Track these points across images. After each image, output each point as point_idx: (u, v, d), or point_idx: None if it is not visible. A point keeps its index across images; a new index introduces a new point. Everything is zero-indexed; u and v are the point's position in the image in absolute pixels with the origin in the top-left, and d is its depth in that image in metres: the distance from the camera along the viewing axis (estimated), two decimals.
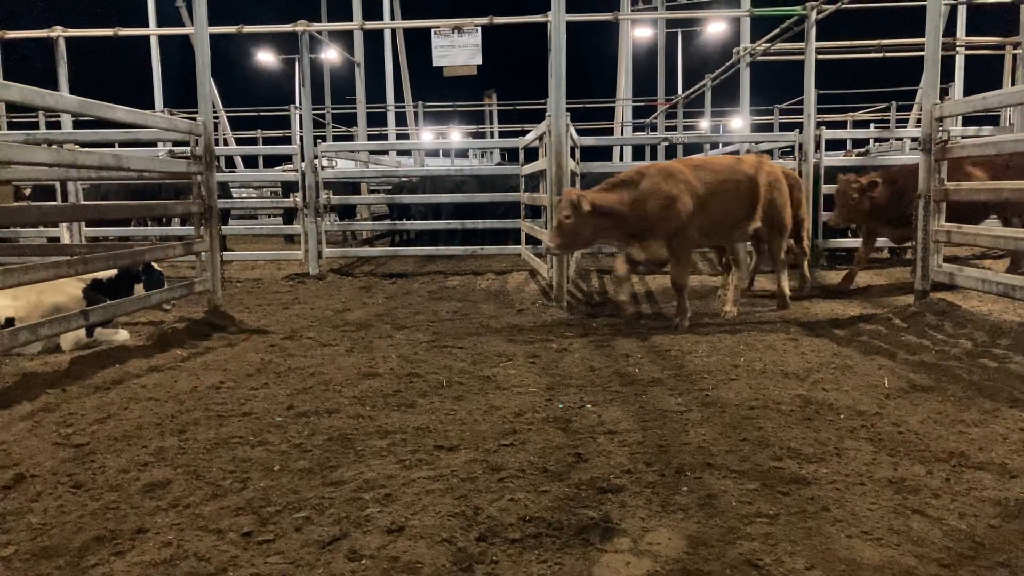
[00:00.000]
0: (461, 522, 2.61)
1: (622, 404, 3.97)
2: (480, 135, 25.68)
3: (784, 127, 20.58)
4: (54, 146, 8.00)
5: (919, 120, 8.03)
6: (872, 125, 20.79)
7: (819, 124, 9.88)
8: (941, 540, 2.44)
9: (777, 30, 10.20)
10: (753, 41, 12.12)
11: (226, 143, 20.87)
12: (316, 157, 10.58)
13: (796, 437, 3.41)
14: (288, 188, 13.78)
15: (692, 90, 17.03)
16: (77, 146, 8.80)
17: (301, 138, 10.95)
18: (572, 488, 2.88)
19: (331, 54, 21.24)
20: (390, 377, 4.62)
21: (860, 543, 2.43)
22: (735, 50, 12.85)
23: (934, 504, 2.71)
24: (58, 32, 11.90)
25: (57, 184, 9.82)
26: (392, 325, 6.47)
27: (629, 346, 5.43)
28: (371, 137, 20.34)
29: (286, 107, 22.78)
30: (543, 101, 17.49)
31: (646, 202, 5.97)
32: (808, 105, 9.74)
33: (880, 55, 13.83)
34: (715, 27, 23.23)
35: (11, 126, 18.09)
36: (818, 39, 9.62)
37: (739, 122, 14.49)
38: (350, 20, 16.96)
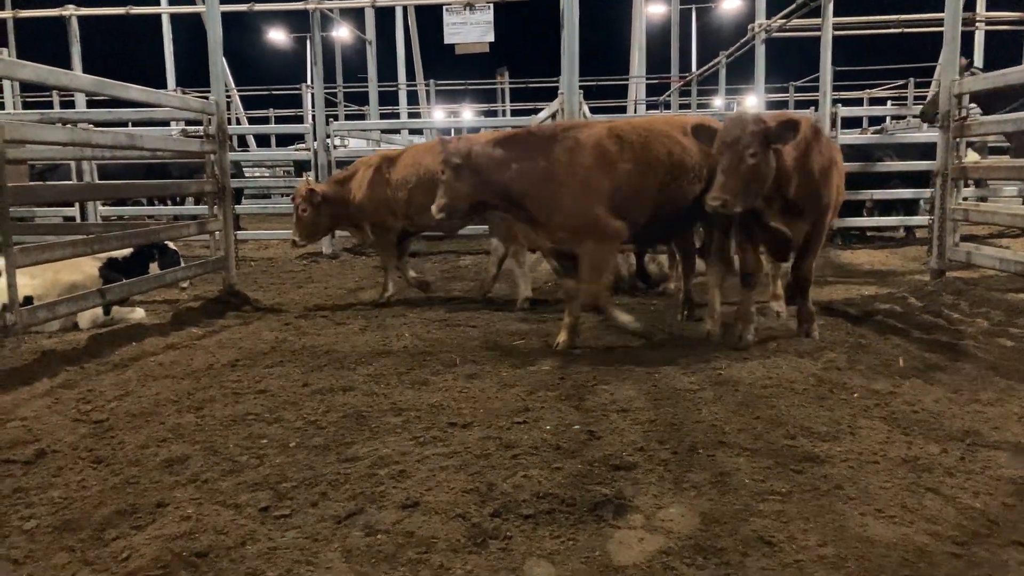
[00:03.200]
0: (475, 498, 2.63)
1: (635, 382, 3.98)
2: (492, 113, 25.52)
3: (799, 104, 20.35)
4: (68, 125, 8.03)
5: (936, 96, 7.90)
6: (889, 102, 20.50)
7: (835, 102, 9.79)
8: (955, 518, 2.44)
9: (793, 6, 10.05)
10: (768, 17, 11.95)
11: (239, 122, 20.86)
12: (328, 136, 10.58)
13: (809, 416, 3.41)
14: (301, 167, 13.80)
15: (706, 67, 16.85)
16: (91, 125, 8.82)
17: (313, 117, 10.96)
18: (585, 465, 2.89)
19: (343, 32, 21.13)
20: (403, 355, 4.65)
21: (873, 521, 2.43)
22: (750, 26, 12.68)
23: (948, 483, 2.70)
24: (71, 11, 11.91)
25: (72, 163, 9.85)
26: (405, 304, 6.49)
27: (642, 326, 5.41)
28: (383, 116, 20.27)
29: (298, 86, 22.74)
30: (556, 79, 17.35)
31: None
32: (824, 83, 9.63)
33: (898, 31, 13.61)
34: (729, 3, 22.94)
35: (25, 105, 18.17)
36: (835, 14, 9.48)
37: (754, 99, 14.33)
38: None
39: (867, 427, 3.26)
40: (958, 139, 6.04)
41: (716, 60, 15.37)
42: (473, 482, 2.75)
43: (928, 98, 8.01)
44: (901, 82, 19.68)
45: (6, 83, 14.42)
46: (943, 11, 6.20)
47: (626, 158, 4.74)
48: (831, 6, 9.33)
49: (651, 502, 2.59)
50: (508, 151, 4.72)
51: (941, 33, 6.23)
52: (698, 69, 19.36)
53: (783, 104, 21.09)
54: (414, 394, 3.85)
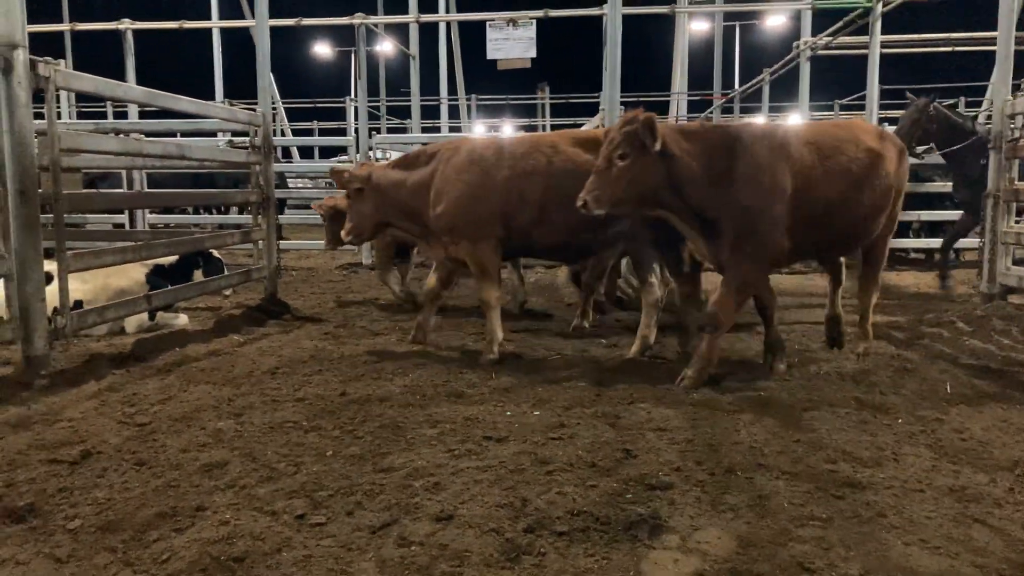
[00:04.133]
0: (509, 513, 2.62)
1: (672, 401, 3.93)
2: (532, 128, 25.62)
3: None
4: (121, 135, 8.27)
5: (989, 116, 7.74)
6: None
7: (881, 120, 9.61)
8: (1003, 551, 2.37)
9: (840, 23, 9.94)
10: (814, 34, 11.82)
11: (283, 134, 21.27)
12: (371, 148, 10.73)
13: (851, 440, 3.34)
14: None
15: (749, 84, 16.72)
16: (142, 135, 9.07)
17: (356, 130, 11.13)
18: (620, 484, 2.87)
19: (386, 47, 21.44)
20: (439, 367, 4.67)
21: (917, 551, 2.37)
22: (795, 44, 12.56)
23: (996, 514, 2.62)
24: (126, 24, 12.29)
25: (123, 172, 10.12)
26: (442, 316, 6.52)
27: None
28: (424, 129, 20.49)
29: (342, 99, 23.10)
30: (597, 95, 17.37)
31: None
32: (871, 100, 9.48)
33: (948, 49, 13.36)
34: (774, 20, 22.71)
35: (80, 115, 18.76)
36: (883, 32, 9.34)
37: (798, 117, 14.17)
38: (406, 13, 17.10)
39: (912, 454, 3.18)
40: (1010, 159, 5.89)
41: (760, 77, 15.24)
42: (507, 497, 2.75)
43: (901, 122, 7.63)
44: (950, 101, 19.24)
45: (63, 94, 14.92)
46: (995, 29, 6.07)
47: (508, 169, 4.86)
48: (879, 24, 9.20)
49: (687, 523, 2.56)
50: (404, 171, 5.17)
51: (992, 52, 6.09)
52: (741, 86, 19.22)
53: None
54: (449, 406, 3.86)
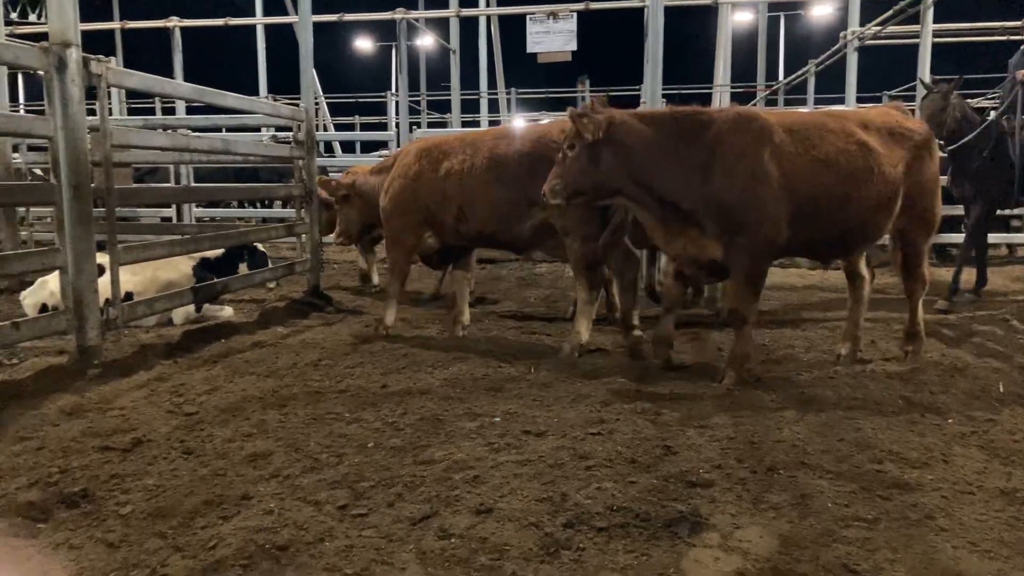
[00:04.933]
0: (548, 507, 2.63)
1: (713, 398, 3.90)
2: None
3: None
4: (169, 131, 8.46)
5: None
6: (992, 112, 19.45)
7: None
8: None
9: (890, 12, 9.67)
10: (862, 24, 11.54)
11: (325, 129, 21.51)
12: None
13: (898, 440, 3.27)
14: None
15: (794, 76, 16.40)
16: (189, 131, 9.27)
17: (397, 124, 11.20)
18: (660, 480, 2.85)
19: (427, 41, 21.55)
20: (479, 361, 4.68)
21: (967, 554, 2.31)
22: (842, 34, 12.27)
23: None
24: (174, 22, 12.54)
25: (171, 167, 10.36)
26: (481, 310, 6.54)
27: (722, 339, 5.31)
28: (464, 124, 20.54)
29: (383, 94, 23.26)
30: (637, 87, 17.21)
31: None
32: (921, 92, 9.20)
33: (1003, 38, 12.92)
34: (820, 10, 22.24)
35: (129, 112, 19.23)
36: (934, 20, 9.08)
37: (844, 110, 13.87)
38: (447, 7, 17.14)
39: (962, 455, 3.10)
40: None
41: (805, 69, 14.94)
42: (546, 491, 2.75)
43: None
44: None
45: (113, 90, 15.30)
46: None
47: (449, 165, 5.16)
48: (931, 12, 8.94)
49: (728, 521, 2.53)
50: (380, 175, 5.74)
51: None
52: (785, 78, 18.87)
53: None
54: (489, 400, 3.87)
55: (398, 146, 10.73)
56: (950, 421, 3.52)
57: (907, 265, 4.61)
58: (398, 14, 11.06)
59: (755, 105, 19.87)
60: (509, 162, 4.90)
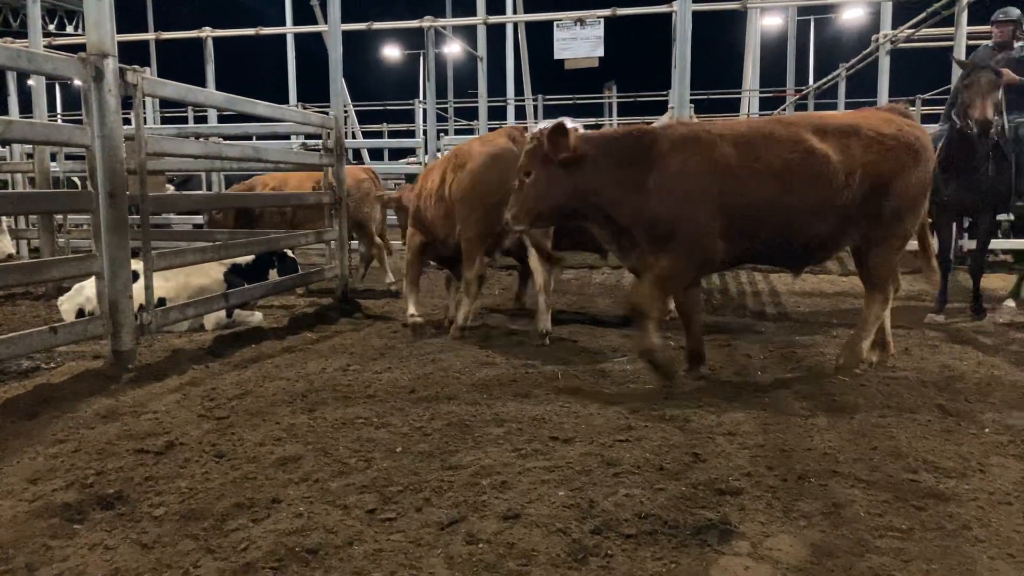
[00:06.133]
0: (576, 514, 2.62)
1: (743, 405, 3.86)
2: (599, 128, 25.48)
3: (927, 119, 19.20)
4: (201, 139, 8.60)
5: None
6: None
7: None
8: None
9: (923, 14, 9.53)
10: (894, 27, 11.38)
11: (354, 136, 21.71)
12: (439, 150, 10.85)
13: (933, 449, 3.21)
14: (412, 180, 14.20)
15: (825, 80, 16.20)
16: (221, 139, 9.41)
17: (425, 131, 11.26)
18: (689, 487, 2.83)
19: (454, 48, 21.67)
20: (506, 366, 4.69)
21: (1005, 566, 2.26)
22: (874, 37, 12.12)
23: None
24: (207, 32, 12.75)
25: (203, 174, 10.53)
26: (508, 316, 6.55)
27: (751, 347, 5.26)
28: (491, 131, 20.60)
29: (411, 101, 23.42)
30: (665, 93, 17.16)
31: None
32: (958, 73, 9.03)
33: None
34: (851, 13, 21.98)
35: (163, 120, 19.58)
36: (969, 23, 8.92)
37: (809, 114, 13.68)
38: (474, 15, 17.24)
39: (999, 465, 3.04)
40: None
41: (836, 73, 14.76)
42: (574, 498, 2.74)
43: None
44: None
45: (148, 100, 15.60)
46: None
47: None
48: (965, 14, 8.78)
49: (758, 529, 2.51)
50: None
51: None
52: (815, 82, 18.65)
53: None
54: (516, 406, 3.87)
55: (425, 153, 10.80)
56: (987, 430, 3.45)
57: (871, 276, 4.39)
58: (426, 22, 11.14)
59: (784, 110, 19.69)
60: None
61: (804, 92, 18.79)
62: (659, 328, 4.24)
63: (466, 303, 5.59)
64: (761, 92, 23.03)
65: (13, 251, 8.20)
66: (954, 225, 6.38)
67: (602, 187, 4.15)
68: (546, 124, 4.31)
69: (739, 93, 23.33)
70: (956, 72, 7.55)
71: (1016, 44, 6.51)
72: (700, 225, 4.08)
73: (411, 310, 5.88)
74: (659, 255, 4.12)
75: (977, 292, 6.12)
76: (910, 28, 10.40)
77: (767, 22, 22.75)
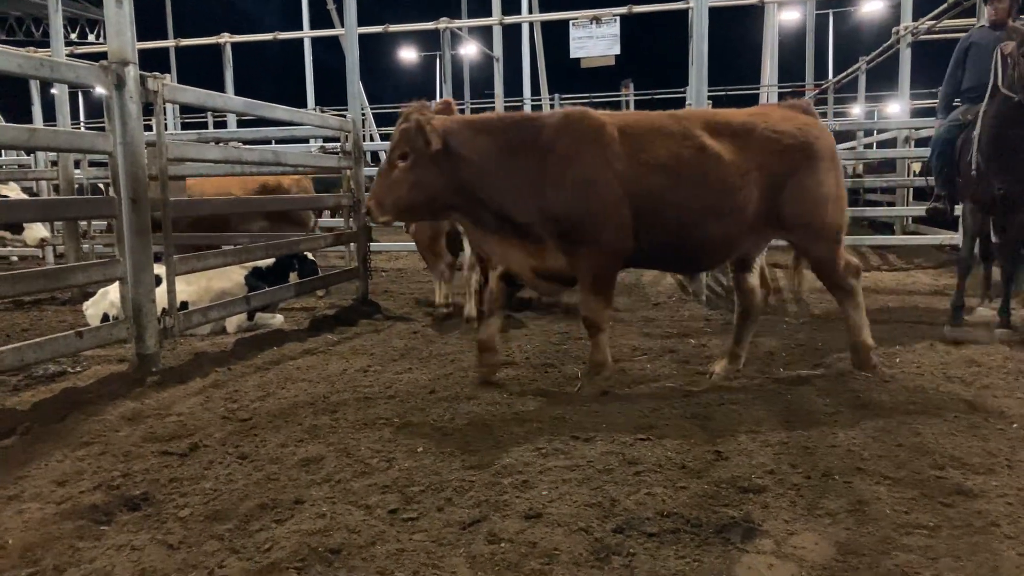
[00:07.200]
0: (597, 512, 2.62)
1: (765, 403, 3.83)
2: None
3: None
4: (221, 144, 8.68)
5: None
6: None
7: None
8: None
9: (945, 5, 9.41)
10: (915, 19, 11.24)
11: (372, 139, 21.82)
12: None
13: (960, 446, 3.16)
14: None
15: (844, 74, 16.08)
16: (241, 143, 9.50)
17: None
18: (711, 486, 2.81)
19: (470, 49, 21.69)
20: (525, 366, 4.69)
21: None
22: (894, 30, 11.98)
23: None
24: (225, 38, 12.87)
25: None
26: (527, 315, 6.55)
27: (773, 344, 5.22)
28: None
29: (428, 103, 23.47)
30: (682, 90, 17.04)
31: None
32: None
33: None
34: (871, 6, 21.76)
35: (183, 126, 19.80)
36: None
37: (897, 107, 13.52)
38: (489, 15, 17.27)
39: None
40: None
41: (855, 66, 14.63)
42: (595, 496, 2.74)
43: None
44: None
45: (168, 106, 15.78)
46: None
47: None
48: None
49: (782, 527, 2.49)
50: None
51: None
52: (835, 76, 18.49)
53: (929, 112, 19.74)
54: (536, 405, 3.87)
55: None
56: (1015, 426, 3.40)
57: (820, 277, 4.29)
58: (442, 23, 11.18)
59: None
60: None
61: (824, 86, 18.63)
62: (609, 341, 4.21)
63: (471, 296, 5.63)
64: (780, 87, 22.83)
65: (47, 234, 8.35)
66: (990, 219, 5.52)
67: (489, 180, 3.80)
68: (416, 104, 3.91)
69: (757, 89, 23.15)
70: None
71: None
72: (610, 216, 3.81)
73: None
74: (574, 258, 3.88)
75: (1008, 298, 5.35)
76: (931, 20, 10.27)
77: (785, 16, 22.55)
